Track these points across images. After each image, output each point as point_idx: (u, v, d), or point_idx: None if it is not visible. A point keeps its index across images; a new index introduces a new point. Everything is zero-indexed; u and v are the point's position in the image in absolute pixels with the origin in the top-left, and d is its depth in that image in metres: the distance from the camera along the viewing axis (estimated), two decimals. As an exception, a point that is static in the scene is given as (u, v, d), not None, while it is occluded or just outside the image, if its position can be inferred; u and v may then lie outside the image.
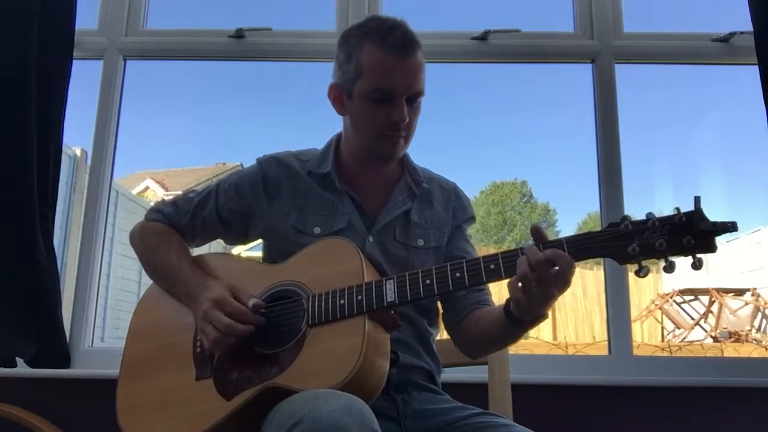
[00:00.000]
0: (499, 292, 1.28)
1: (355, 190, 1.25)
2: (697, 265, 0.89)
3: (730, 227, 0.88)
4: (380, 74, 1.15)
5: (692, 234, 0.89)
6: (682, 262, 0.92)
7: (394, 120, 1.16)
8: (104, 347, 2.36)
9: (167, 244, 1.25)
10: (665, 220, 0.92)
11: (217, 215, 1.28)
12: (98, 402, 1.64)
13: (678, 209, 0.91)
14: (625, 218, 0.94)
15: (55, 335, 1.84)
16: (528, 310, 1.00)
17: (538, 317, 1.03)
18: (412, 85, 1.16)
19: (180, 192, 1.41)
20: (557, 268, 0.94)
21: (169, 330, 1.19)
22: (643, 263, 0.93)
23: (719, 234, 0.89)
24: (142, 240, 1.28)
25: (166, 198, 1.34)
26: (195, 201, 1.30)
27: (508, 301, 1.06)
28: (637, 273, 0.93)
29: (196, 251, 1.32)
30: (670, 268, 0.91)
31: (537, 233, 0.99)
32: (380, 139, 1.20)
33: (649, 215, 0.93)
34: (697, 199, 0.90)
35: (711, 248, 0.89)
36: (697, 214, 0.89)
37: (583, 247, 0.95)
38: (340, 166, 1.28)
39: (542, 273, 0.94)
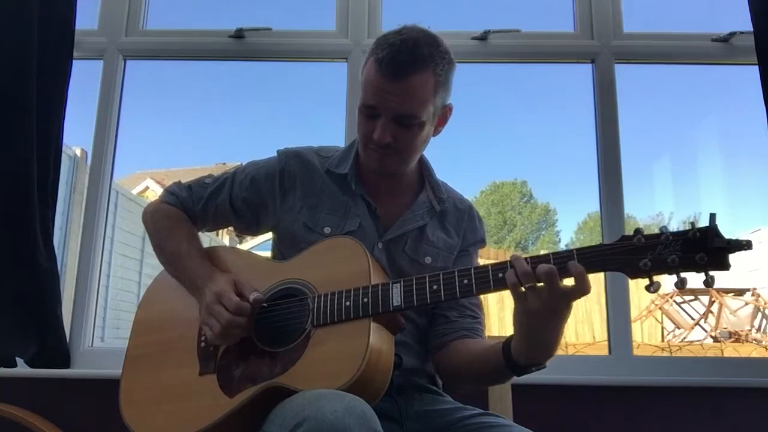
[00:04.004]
0: (501, 298, 1.27)
1: (371, 195, 1.25)
2: (709, 282, 0.88)
3: (745, 245, 0.86)
4: (366, 90, 1.15)
5: (706, 251, 0.87)
6: (694, 278, 0.90)
7: (374, 137, 1.16)
8: (104, 347, 2.36)
9: (178, 229, 1.26)
10: (679, 236, 0.90)
11: (231, 204, 1.29)
12: (98, 402, 1.65)
13: (692, 224, 0.90)
14: (638, 231, 0.92)
15: (55, 335, 1.84)
16: (532, 327, 0.97)
17: (536, 361, 1.00)
18: (394, 108, 1.13)
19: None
20: (564, 282, 0.92)
21: (174, 324, 1.19)
22: (654, 279, 0.91)
23: (733, 252, 0.87)
24: (154, 222, 1.29)
25: (182, 181, 1.35)
26: (210, 188, 1.30)
27: (507, 340, 1.04)
28: (648, 288, 0.91)
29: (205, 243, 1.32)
30: (681, 284, 0.89)
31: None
32: (366, 150, 1.21)
33: (663, 229, 0.91)
34: (712, 216, 0.89)
35: (724, 266, 0.88)
36: (711, 231, 0.88)
37: (593, 259, 0.94)
38: (360, 168, 1.27)
39: (548, 284, 0.92)
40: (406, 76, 1.11)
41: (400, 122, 1.15)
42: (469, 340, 1.19)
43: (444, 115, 1.24)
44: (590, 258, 0.94)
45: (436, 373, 1.25)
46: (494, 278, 0.98)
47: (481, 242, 1.34)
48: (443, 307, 1.23)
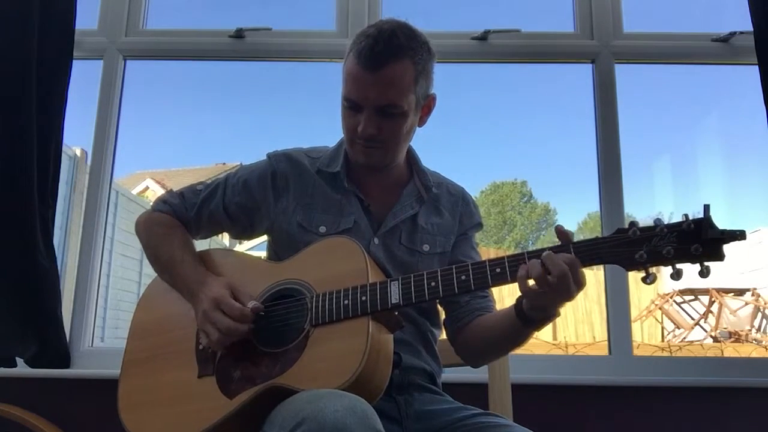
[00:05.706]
0: (501, 299, 1.27)
1: (363, 191, 1.25)
2: (704, 273, 0.89)
3: (738, 236, 0.87)
4: (348, 84, 1.16)
5: (700, 242, 0.88)
6: (689, 269, 0.91)
7: (359, 131, 1.16)
8: (104, 347, 2.37)
9: (171, 237, 1.25)
10: (673, 227, 0.91)
11: (224, 209, 1.29)
12: (98, 402, 1.65)
13: (686, 216, 0.91)
14: (633, 224, 0.93)
15: (55, 335, 1.84)
16: (541, 308, 1.02)
17: (549, 316, 1.03)
18: (375, 98, 1.13)
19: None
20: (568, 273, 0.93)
21: (171, 326, 1.19)
22: (650, 270, 0.92)
23: (727, 242, 0.88)
24: (147, 231, 1.28)
25: (174, 190, 1.34)
26: (202, 194, 1.30)
27: (518, 300, 1.06)
28: (644, 280, 0.92)
29: (200, 245, 1.32)
30: (677, 275, 0.91)
31: (562, 234, 0.98)
32: (352, 145, 1.21)
33: (657, 222, 0.92)
34: (706, 207, 0.89)
35: (719, 256, 0.89)
36: (705, 222, 0.89)
37: (589, 252, 0.95)
38: (350, 166, 1.27)
39: (557, 276, 0.94)
40: (384, 65, 1.12)
41: (383, 113, 1.15)
42: (484, 316, 1.22)
43: (428, 105, 1.25)
44: (587, 251, 0.95)
45: (460, 357, 1.27)
46: (492, 274, 0.99)
47: (479, 226, 1.35)
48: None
